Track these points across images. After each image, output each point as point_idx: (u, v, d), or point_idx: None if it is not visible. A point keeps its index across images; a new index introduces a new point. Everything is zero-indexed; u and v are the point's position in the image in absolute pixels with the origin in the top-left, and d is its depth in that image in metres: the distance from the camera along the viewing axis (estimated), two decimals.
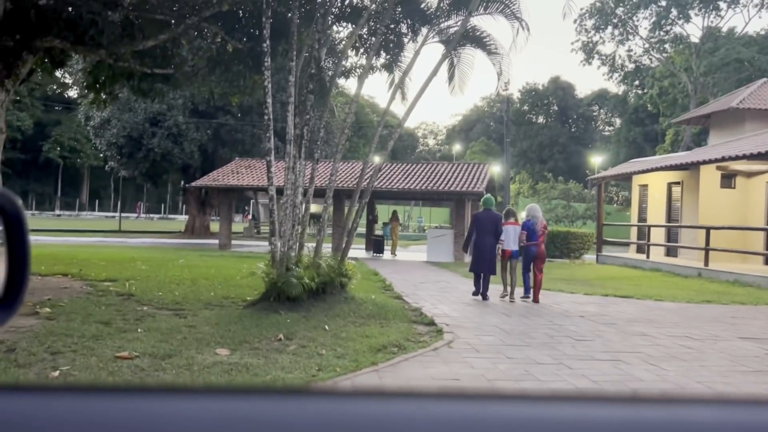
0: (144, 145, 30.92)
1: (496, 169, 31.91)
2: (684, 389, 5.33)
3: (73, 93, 64.53)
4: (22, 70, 10.24)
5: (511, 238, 10.87)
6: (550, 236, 22.16)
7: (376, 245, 23.12)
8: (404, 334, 7.27)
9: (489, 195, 11.96)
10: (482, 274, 10.84)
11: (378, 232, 27.51)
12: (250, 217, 44.93)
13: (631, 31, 51.28)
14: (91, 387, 0.63)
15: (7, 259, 0.77)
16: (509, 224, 11.00)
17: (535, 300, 10.65)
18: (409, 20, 11.25)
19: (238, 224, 43.01)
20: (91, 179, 78.27)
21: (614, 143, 64.66)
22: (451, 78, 11.32)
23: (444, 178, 22.41)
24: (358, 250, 23.53)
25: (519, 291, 10.96)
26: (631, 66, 54.95)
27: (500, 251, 10.89)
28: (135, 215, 69.56)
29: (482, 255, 10.76)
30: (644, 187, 22.77)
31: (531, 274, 10.80)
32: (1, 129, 10.38)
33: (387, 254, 22.92)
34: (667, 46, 51.36)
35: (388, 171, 23.62)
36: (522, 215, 11.48)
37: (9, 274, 0.76)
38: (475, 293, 11.01)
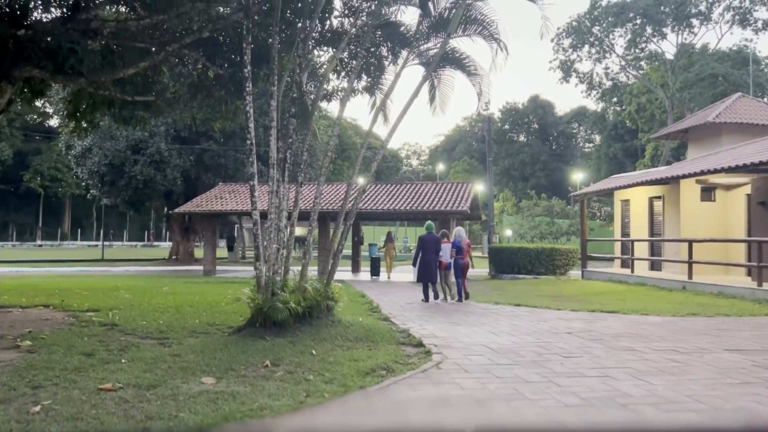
0: (126, 172, 30.75)
1: (479, 187, 32.10)
2: (673, 403, 5.33)
3: (53, 122, 64.26)
4: (0, 100, 10.17)
5: (447, 253, 13.83)
6: (536, 253, 22.35)
7: (373, 268, 23.00)
8: (393, 357, 7.22)
9: (430, 221, 14.93)
10: (430, 283, 13.70)
11: (364, 253, 27.45)
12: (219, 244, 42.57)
13: (607, 49, 52.25)
14: None
15: None
16: (444, 243, 13.95)
17: (467, 298, 13.76)
18: (389, 43, 11.37)
19: (223, 249, 42.68)
20: (73, 208, 77.53)
21: (595, 159, 65.46)
22: (432, 99, 11.43)
23: (428, 198, 22.49)
24: (344, 272, 23.44)
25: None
26: (608, 83, 55.89)
27: (439, 263, 13.81)
28: (146, 243, 69.65)
29: (428, 268, 13.65)
30: (626, 202, 23.00)
31: (462, 281, 13.86)
32: None
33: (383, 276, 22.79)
34: (643, 63, 52.37)
35: (373, 192, 23.67)
36: (463, 235, 14.66)
37: None
38: (424, 300, 13.64)
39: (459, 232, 14.57)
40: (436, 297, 13.83)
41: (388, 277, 22.45)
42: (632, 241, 21.07)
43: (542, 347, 8.02)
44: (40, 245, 65.21)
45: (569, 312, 11.93)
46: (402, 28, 11.18)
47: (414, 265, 14.29)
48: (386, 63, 11.59)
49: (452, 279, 14.07)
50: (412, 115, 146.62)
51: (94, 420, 4.69)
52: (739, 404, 5.32)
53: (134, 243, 73.27)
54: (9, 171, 65.90)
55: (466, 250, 14.21)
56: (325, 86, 11.44)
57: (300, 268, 9.39)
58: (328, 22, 11.19)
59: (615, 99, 58.26)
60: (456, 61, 11.05)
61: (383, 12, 10.75)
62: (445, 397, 5.52)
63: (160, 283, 18.04)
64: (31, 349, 7.41)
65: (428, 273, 13.60)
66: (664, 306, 12.74)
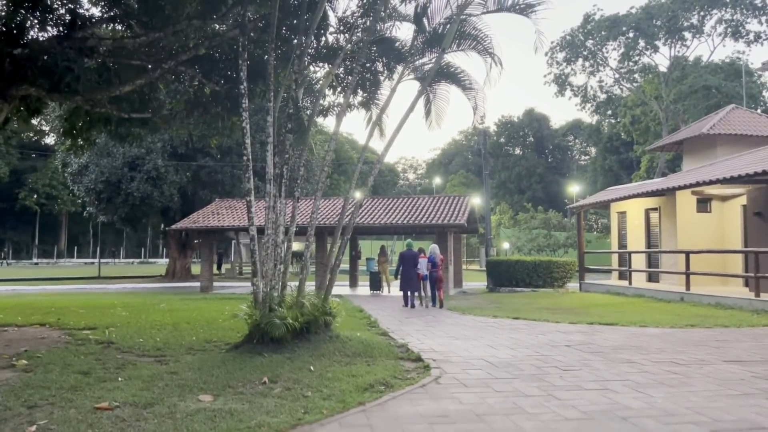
0: (123, 189, 30.70)
1: (476, 200, 32.14)
2: (673, 415, 5.30)
3: (49, 140, 64.33)
4: None
5: (423, 267, 16.02)
6: (533, 266, 22.36)
7: (373, 282, 22.94)
8: (391, 372, 7.19)
9: (410, 240, 17.38)
10: (410, 292, 16.04)
11: (362, 267, 27.36)
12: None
13: (601, 62, 52.61)
14: None
15: None
16: (421, 258, 16.19)
17: (441, 306, 15.73)
18: (384, 59, 11.44)
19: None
20: (70, 225, 77.34)
21: (591, 172, 65.70)
22: (427, 113, 11.47)
23: (425, 212, 22.49)
24: (342, 287, 23.38)
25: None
26: (602, 96, 56.22)
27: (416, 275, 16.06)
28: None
29: (408, 279, 16.06)
30: (622, 214, 23.04)
31: (436, 291, 16.13)
32: None
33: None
34: (636, 75, 52.72)
35: (370, 206, 23.67)
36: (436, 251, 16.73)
37: None
38: (404, 305, 16.00)
39: (434, 249, 16.71)
40: (413, 306, 15.97)
41: (388, 291, 22.37)
42: (629, 253, 21.08)
43: (541, 360, 7.99)
44: (36, 263, 64.93)
45: (568, 324, 11.90)
46: (397, 44, 11.25)
47: (396, 276, 17.08)
48: (382, 78, 11.65)
49: (428, 288, 16.30)
50: (408, 130, 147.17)
51: None
52: (740, 416, 5.30)
53: (131, 260, 72.95)
54: (5, 189, 65.86)
55: (440, 265, 16.32)
56: (321, 101, 11.48)
57: (297, 283, 9.37)
58: (323, 38, 11.27)
59: (610, 111, 58.61)
60: (451, 75, 11.11)
61: (378, 28, 10.82)
62: (444, 412, 5.49)
63: (157, 300, 17.96)
64: (27, 368, 7.36)
65: (408, 283, 16.11)
66: (663, 317, 12.72)
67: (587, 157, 78.03)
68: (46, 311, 13.94)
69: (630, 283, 20.07)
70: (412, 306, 15.91)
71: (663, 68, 50.21)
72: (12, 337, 10.10)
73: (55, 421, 5.09)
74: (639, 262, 21.14)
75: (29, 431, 4.82)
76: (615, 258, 23.70)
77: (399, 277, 16.53)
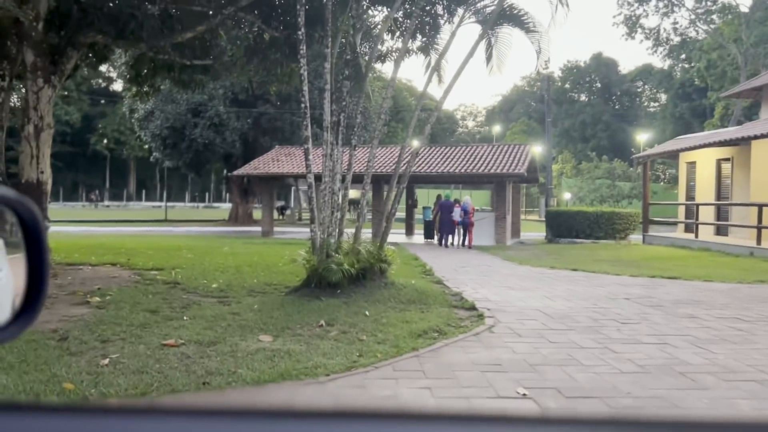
0: (187, 135, 31.46)
1: (537, 149, 31.34)
2: (734, 372, 5.17)
3: (117, 86, 66.08)
4: (67, 66, 10.52)
5: (457, 215, 19.64)
6: (595, 217, 21.89)
7: (427, 231, 23.06)
8: (445, 319, 7.25)
9: (448, 191, 21.31)
10: (446, 235, 19.95)
11: (418, 216, 27.42)
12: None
13: (676, 2, 49.52)
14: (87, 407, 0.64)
15: (26, 267, 0.77)
16: (456, 207, 19.66)
17: (470, 247, 19.27)
18: (444, 1, 11.09)
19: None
20: (138, 170, 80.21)
21: (660, 120, 62.89)
22: (489, 58, 11.13)
23: (484, 161, 22.15)
24: (398, 235, 23.53)
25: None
26: (676, 39, 53.16)
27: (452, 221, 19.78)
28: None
29: (445, 224, 19.95)
30: (692, 165, 22.05)
31: (466, 234, 19.87)
32: (49, 124, 10.72)
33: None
34: (714, 16, 49.44)
35: (427, 154, 23.46)
36: (467, 200, 20.51)
37: (28, 281, 0.76)
38: (439, 245, 19.88)
39: (467, 200, 20.35)
40: (447, 246, 19.63)
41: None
42: (697, 205, 20.27)
43: (598, 313, 7.89)
44: (107, 206, 67.94)
45: (628, 277, 11.66)
46: None
47: (433, 221, 21.37)
48: (441, 22, 11.32)
49: (461, 233, 19.91)
50: (467, 76, 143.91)
51: (158, 374, 4.92)
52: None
53: (196, 204, 75.30)
54: (77, 134, 68.60)
55: (471, 213, 19.81)
56: (379, 47, 11.30)
57: (354, 230, 9.48)
58: None
59: (683, 56, 55.51)
60: (514, 17, 10.69)
61: None
62: (497, 360, 5.53)
63: (220, 243, 18.59)
64: (100, 305, 7.80)
65: (444, 227, 19.95)
66: (729, 272, 12.28)
67: (657, 105, 74.49)
68: (117, 252, 14.65)
69: (696, 236, 19.37)
70: (446, 246, 19.53)
71: (744, 8, 46.87)
72: (86, 276, 10.69)
73: (126, 355, 5.40)
74: (707, 214, 20.31)
75: (103, 364, 5.14)
76: (681, 210, 22.84)
77: (437, 222, 20.63)
